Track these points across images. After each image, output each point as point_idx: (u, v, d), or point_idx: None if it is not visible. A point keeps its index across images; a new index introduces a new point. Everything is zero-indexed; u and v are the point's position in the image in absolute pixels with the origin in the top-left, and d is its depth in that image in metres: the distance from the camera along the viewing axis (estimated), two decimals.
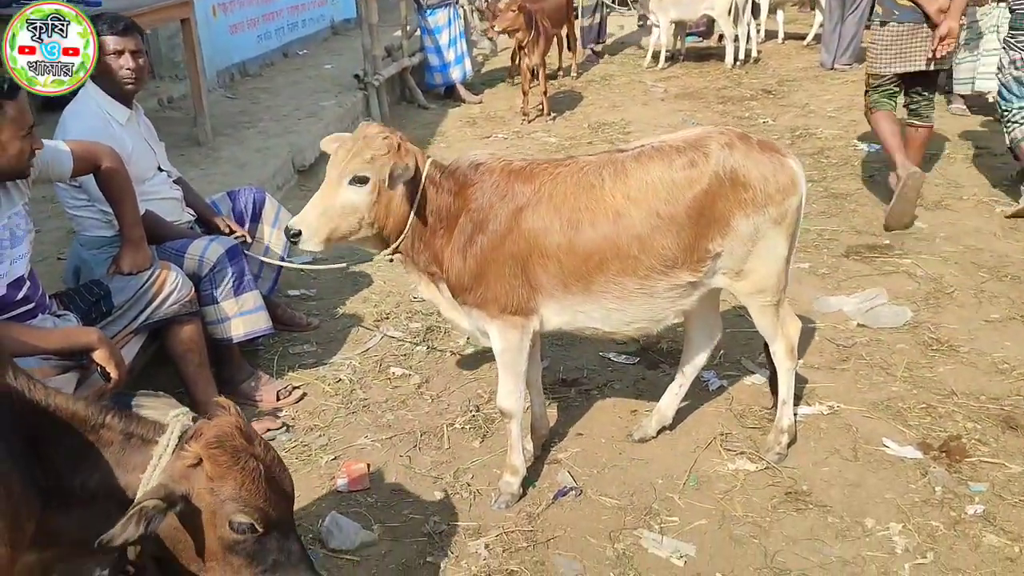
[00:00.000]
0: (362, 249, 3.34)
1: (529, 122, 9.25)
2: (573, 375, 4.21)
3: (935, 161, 7.18)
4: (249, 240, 4.30)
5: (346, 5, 13.18)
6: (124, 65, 3.83)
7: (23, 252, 3.10)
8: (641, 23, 12.43)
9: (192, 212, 4.25)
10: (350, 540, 3.08)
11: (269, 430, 3.79)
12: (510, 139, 8.71)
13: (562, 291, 2.99)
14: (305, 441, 3.75)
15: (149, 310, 3.52)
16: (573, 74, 11.38)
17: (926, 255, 5.37)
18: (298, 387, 4.14)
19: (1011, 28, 5.93)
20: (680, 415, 3.73)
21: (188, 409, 2.14)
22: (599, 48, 12.65)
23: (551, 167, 3.01)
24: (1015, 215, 5.80)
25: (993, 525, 3.07)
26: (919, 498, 3.24)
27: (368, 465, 3.53)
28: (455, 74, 10.26)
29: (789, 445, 3.51)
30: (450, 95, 10.36)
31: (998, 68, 6.10)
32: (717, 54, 11.88)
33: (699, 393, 3.94)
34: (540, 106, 9.41)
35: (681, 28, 11.97)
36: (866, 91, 6.02)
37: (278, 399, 4.03)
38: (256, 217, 4.50)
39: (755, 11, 11.66)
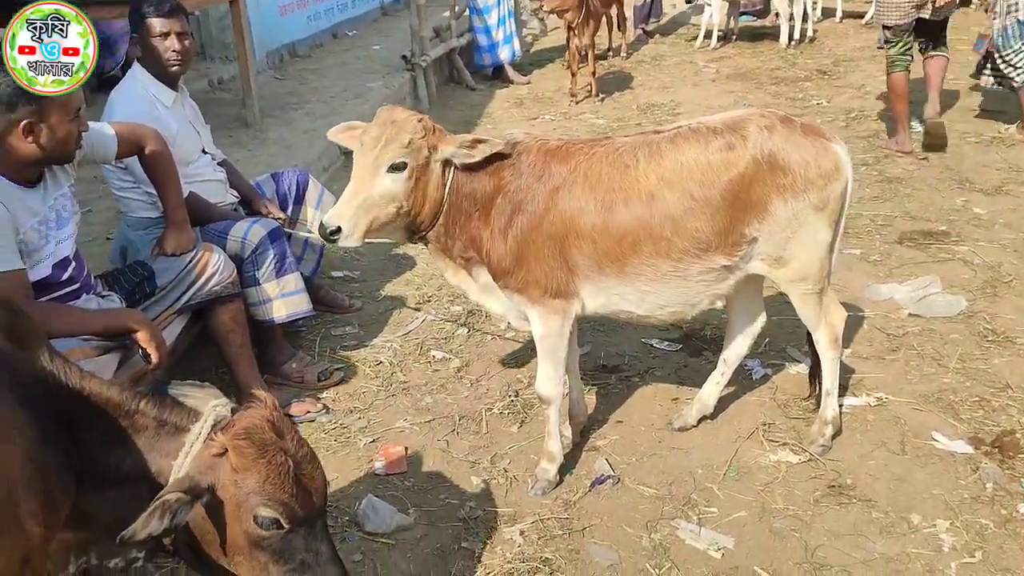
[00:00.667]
0: (390, 240, 3.31)
1: (577, 103, 9.15)
2: (614, 361, 4.16)
3: (995, 145, 6.94)
4: (287, 225, 4.30)
5: None
6: (170, 47, 3.86)
7: (69, 233, 3.14)
8: (690, 2, 12.18)
9: (236, 194, 4.28)
10: (386, 523, 3.09)
11: (309, 412, 3.82)
12: (557, 120, 8.63)
13: (597, 272, 2.95)
14: (344, 423, 3.77)
15: (192, 291, 3.56)
16: (623, 54, 11.23)
17: (984, 242, 5.19)
18: (339, 369, 4.15)
19: None
20: (722, 404, 3.66)
21: (228, 401, 2.12)
22: (650, 28, 12.46)
23: (587, 147, 2.96)
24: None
25: None
26: (968, 495, 3.13)
27: (406, 448, 3.53)
28: (503, 54, 10.20)
29: (834, 437, 3.42)
30: (498, 76, 10.30)
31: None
32: (771, 34, 11.61)
33: (742, 382, 3.86)
34: (589, 87, 9.31)
35: (734, 7, 11.73)
36: (884, 46, 6.76)
37: (319, 380, 4.06)
38: (299, 199, 4.51)
39: None
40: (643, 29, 12.31)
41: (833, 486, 3.21)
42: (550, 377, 3.15)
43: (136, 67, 3.98)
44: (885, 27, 6.65)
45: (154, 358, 2.93)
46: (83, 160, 3.25)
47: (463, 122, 8.35)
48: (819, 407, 3.46)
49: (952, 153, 6.74)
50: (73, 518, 1.92)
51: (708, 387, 3.57)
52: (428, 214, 3.05)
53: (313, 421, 3.77)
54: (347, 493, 3.30)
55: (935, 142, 6.74)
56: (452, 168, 2.99)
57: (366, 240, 3.05)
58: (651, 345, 4.29)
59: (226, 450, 1.93)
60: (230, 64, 8.45)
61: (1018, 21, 6.67)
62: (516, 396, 3.90)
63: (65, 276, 3.11)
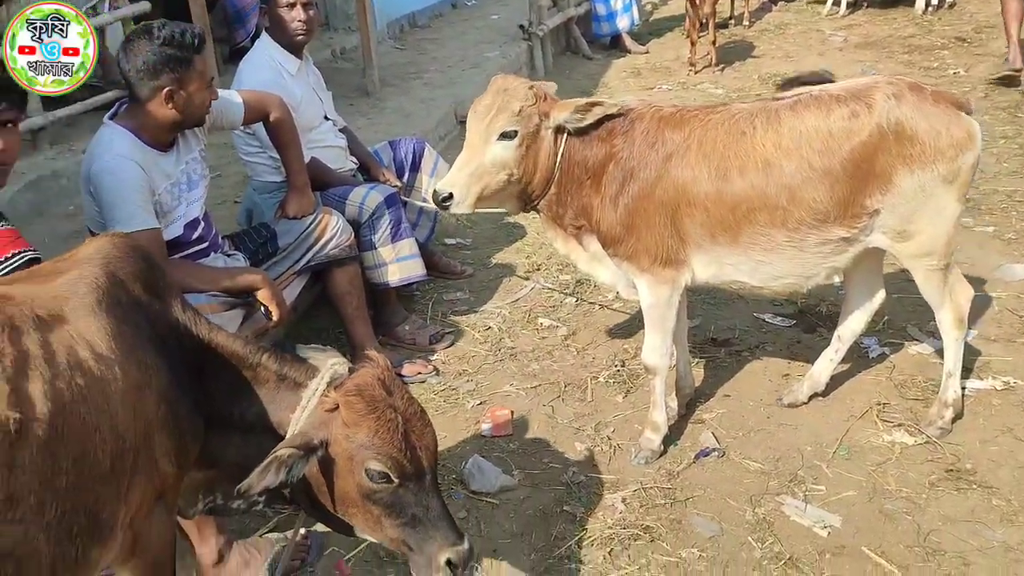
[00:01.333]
0: (502, 209, 3.36)
1: (696, 73, 8.95)
2: (724, 335, 4.10)
3: None
4: (403, 192, 4.39)
5: None
6: (296, 17, 4.01)
7: (199, 195, 3.32)
8: None
9: (355, 160, 4.41)
10: (491, 483, 3.16)
11: (420, 373, 3.93)
12: (675, 90, 8.47)
13: (709, 242, 2.91)
14: (453, 385, 3.86)
15: (311, 253, 3.71)
16: (745, 23, 10.87)
17: None
18: (449, 332, 4.25)
19: None
20: (835, 382, 3.56)
21: (346, 361, 2.19)
22: None
23: (702, 114, 2.91)
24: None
25: None
26: None
27: (512, 412, 3.59)
28: (622, 23, 10.04)
29: (954, 420, 3.28)
30: (615, 45, 10.16)
31: None
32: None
33: (857, 360, 3.74)
34: (708, 56, 9.08)
35: None
36: None
37: (430, 343, 4.17)
38: (415, 166, 4.61)
39: None
40: None
41: (951, 470, 3.08)
42: (657, 347, 3.14)
43: (264, 37, 4.15)
44: None
45: (275, 315, 3.08)
46: (212, 126, 3.42)
47: (579, 92, 8.28)
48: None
49: None
50: (202, 460, 2.05)
51: (821, 363, 3.48)
52: (539, 182, 3.07)
53: (423, 382, 3.88)
54: (454, 453, 3.39)
55: None
56: (564, 135, 3.01)
57: (477, 207, 3.12)
58: (763, 320, 4.20)
59: (337, 406, 2.01)
60: (352, 34, 8.65)
61: None
62: (622, 366, 3.90)
63: (195, 236, 3.30)
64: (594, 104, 2.93)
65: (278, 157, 3.85)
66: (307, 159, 3.87)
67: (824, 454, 3.22)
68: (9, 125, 2.33)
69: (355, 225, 3.96)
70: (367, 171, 4.42)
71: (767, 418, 3.47)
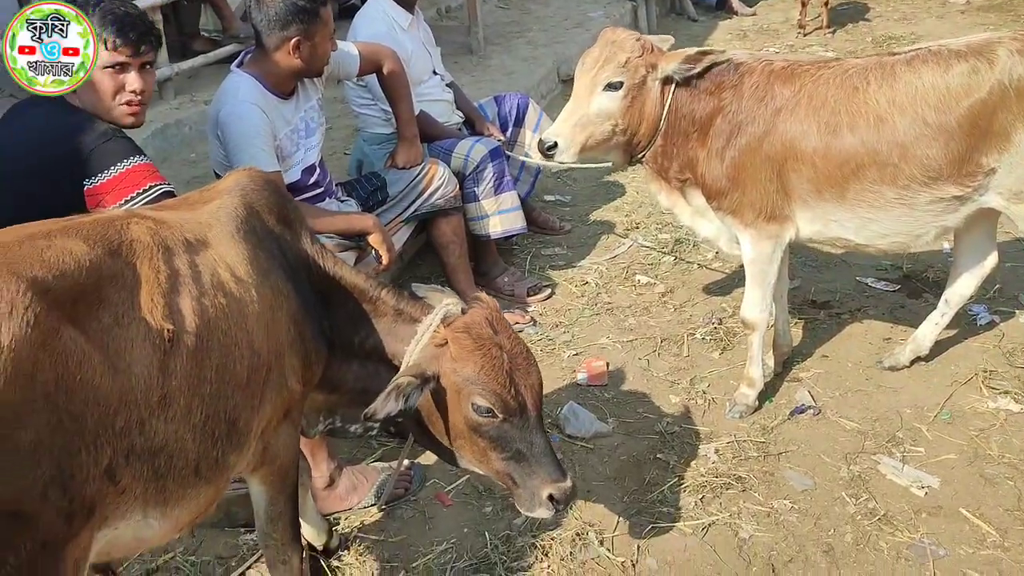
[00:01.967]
0: (607, 161, 3.40)
1: (805, 35, 8.71)
2: (824, 297, 4.07)
3: None
4: (507, 147, 4.48)
5: None
6: None
7: (315, 142, 3.48)
8: None
9: (461, 114, 4.51)
10: (585, 428, 3.25)
11: (518, 323, 4.03)
12: (782, 53, 8.24)
13: (815, 198, 2.90)
14: (550, 336, 3.96)
15: (419, 202, 3.84)
16: None
17: None
18: (547, 285, 4.34)
19: None
20: (938, 347, 3.50)
21: (460, 302, 2.28)
22: None
23: (813, 69, 2.89)
24: None
25: None
26: None
27: (607, 363, 3.67)
28: None
29: None
30: (721, 7, 9.95)
31: None
32: None
33: (964, 326, 3.67)
34: (819, 18, 8.82)
35: None
36: None
37: (528, 295, 4.26)
38: (519, 121, 4.69)
39: None
40: None
41: None
42: (757, 303, 3.15)
43: None
44: None
45: (384, 259, 3.23)
46: (330, 76, 3.57)
47: None
48: None
49: None
50: (324, 383, 2.20)
51: (925, 328, 3.42)
52: (645, 134, 3.12)
53: (521, 332, 3.98)
54: (549, 399, 3.48)
55: None
56: (672, 88, 3.04)
57: (581, 157, 3.20)
58: (866, 284, 4.15)
59: (446, 341, 2.12)
60: None
61: None
62: (719, 324, 3.92)
63: (311, 181, 3.46)
64: (704, 53, 2.95)
65: (388, 110, 3.98)
66: (416, 112, 3.99)
67: (924, 417, 3.20)
68: (148, 66, 2.50)
69: (459, 177, 4.07)
70: (472, 126, 4.52)
71: (866, 380, 3.45)
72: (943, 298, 3.40)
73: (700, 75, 2.98)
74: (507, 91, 5.65)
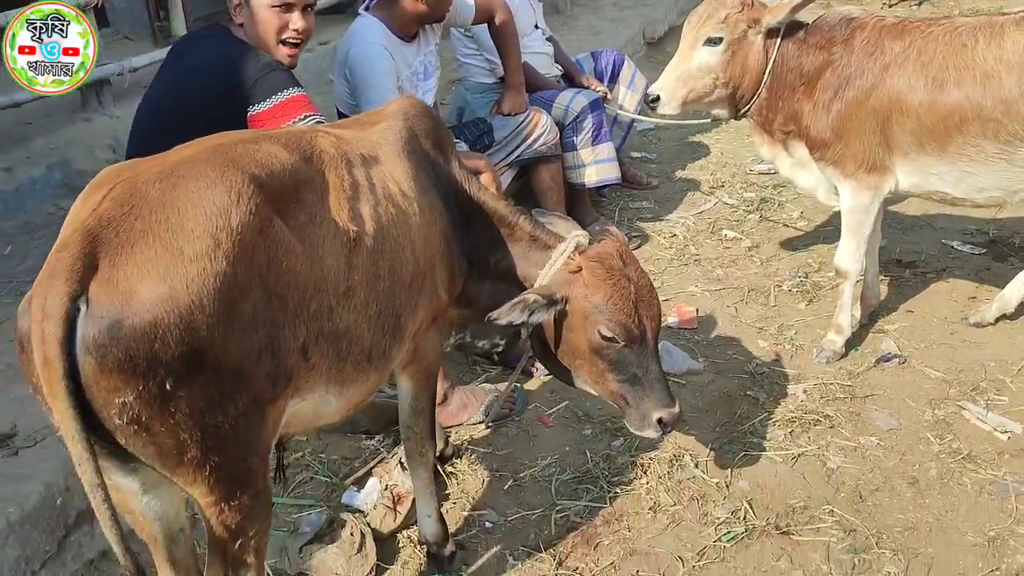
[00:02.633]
0: (710, 114, 3.54)
1: (891, 7, 8.65)
2: (909, 258, 4.18)
3: None
4: (609, 96, 4.65)
5: None
6: None
7: (431, 85, 3.69)
8: None
9: (560, 68, 4.68)
10: (678, 365, 3.43)
11: None
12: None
13: (917, 150, 3.02)
14: None
15: (522, 147, 4.04)
16: None
17: None
18: (636, 236, 4.51)
19: None
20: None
21: (586, 233, 2.45)
22: None
23: (923, 25, 3.01)
24: None
25: None
26: None
27: (696, 309, 3.84)
28: None
29: None
30: None
31: None
32: None
33: None
34: None
35: None
36: None
37: None
38: (614, 78, 4.84)
39: None
40: None
41: None
42: (851, 252, 3.30)
43: None
44: None
45: None
46: (447, 23, 3.76)
47: None
48: None
49: None
50: (460, 298, 2.41)
51: (1013, 286, 3.52)
52: (748, 87, 3.27)
53: None
54: None
55: None
56: (777, 42, 3.18)
57: (684, 110, 3.38)
58: (951, 246, 4.24)
59: (580, 269, 2.30)
60: None
61: None
62: (806, 277, 4.06)
63: None
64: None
65: (492, 60, 4.18)
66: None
67: (1009, 370, 3.32)
68: (309, 8, 2.72)
69: (559, 127, 4.25)
70: (570, 79, 4.68)
71: (950, 334, 3.57)
72: None
73: (808, 30, 3.12)
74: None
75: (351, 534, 2.57)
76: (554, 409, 3.25)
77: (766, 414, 3.17)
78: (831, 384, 3.31)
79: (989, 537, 2.58)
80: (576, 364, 2.39)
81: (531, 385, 3.39)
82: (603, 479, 2.88)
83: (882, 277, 3.95)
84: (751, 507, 2.74)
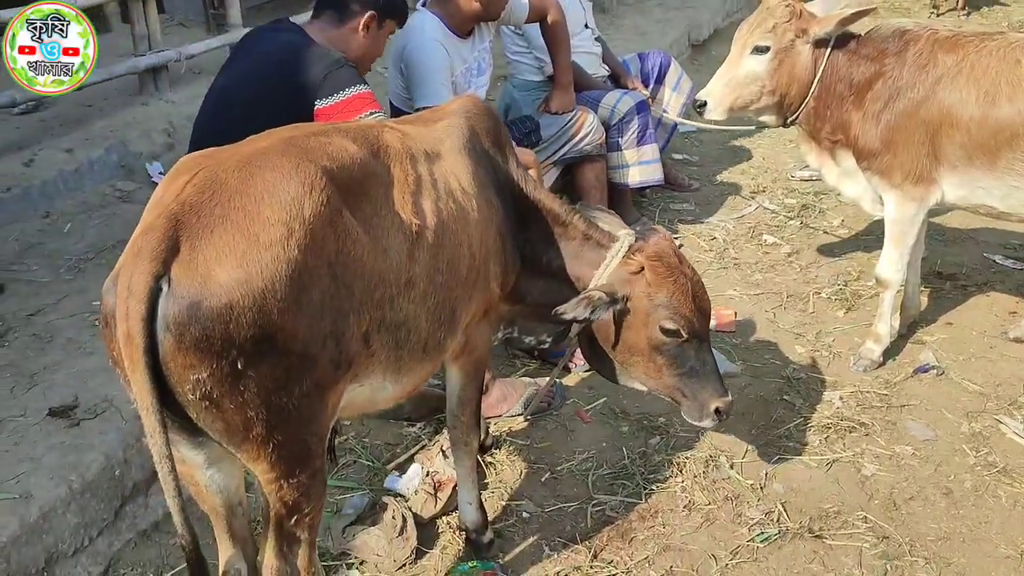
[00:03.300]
0: (759, 121, 3.57)
1: (938, 15, 8.58)
2: (950, 270, 4.18)
3: None
4: (652, 100, 4.68)
5: None
6: None
7: (484, 82, 3.76)
8: None
9: (607, 68, 4.73)
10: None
11: None
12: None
13: (965, 163, 3.04)
14: None
15: (568, 146, 4.10)
16: None
17: None
18: (676, 237, 4.55)
19: None
20: None
21: (633, 232, 2.49)
22: None
23: (978, 40, 3.03)
24: None
25: None
26: None
27: (735, 313, 3.88)
28: None
29: None
30: None
31: None
32: None
33: None
34: None
35: None
36: None
37: None
38: (660, 79, 4.87)
39: None
40: None
41: None
42: (893, 262, 3.32)
43: None
44: None
45: None
46: (501, 21, 3.83)
47: None
48: None
49: None
50: (512, 293, 2.46)
51: None
52: (795, 96, 3.31)
53: None
54: None
55: None
56: (827, 52, 3.21)
57: (731, 116, 3.44)
58: (993, 260, 4.24)
59: (642, 268, 2.34)
60: None
61: None
62: (845, 285, 4.08)
63: None
64: (858, 14, 3.10)
65: (541, 58, 4.24)
66: None
67: None
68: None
69: (605, 127, 4.30)
70: (616, 80, 4.73)
71: (990, 348, 3.59)
72: None
73: (860, 41, 3.14)
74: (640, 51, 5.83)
75: (393, 517, 2.64)
76: (592, 405, 3.31)
77: (802, 419, 3.21)
78: (868, 392, 3.34)
79: (1022, 550, 2.60)
80: (632, 361, 2.44)
81: (570, 380, 3.45)
82: (639, 476, 2.93)
83: (923, 289, 3.96)
84: (785, 510, 2.78)
